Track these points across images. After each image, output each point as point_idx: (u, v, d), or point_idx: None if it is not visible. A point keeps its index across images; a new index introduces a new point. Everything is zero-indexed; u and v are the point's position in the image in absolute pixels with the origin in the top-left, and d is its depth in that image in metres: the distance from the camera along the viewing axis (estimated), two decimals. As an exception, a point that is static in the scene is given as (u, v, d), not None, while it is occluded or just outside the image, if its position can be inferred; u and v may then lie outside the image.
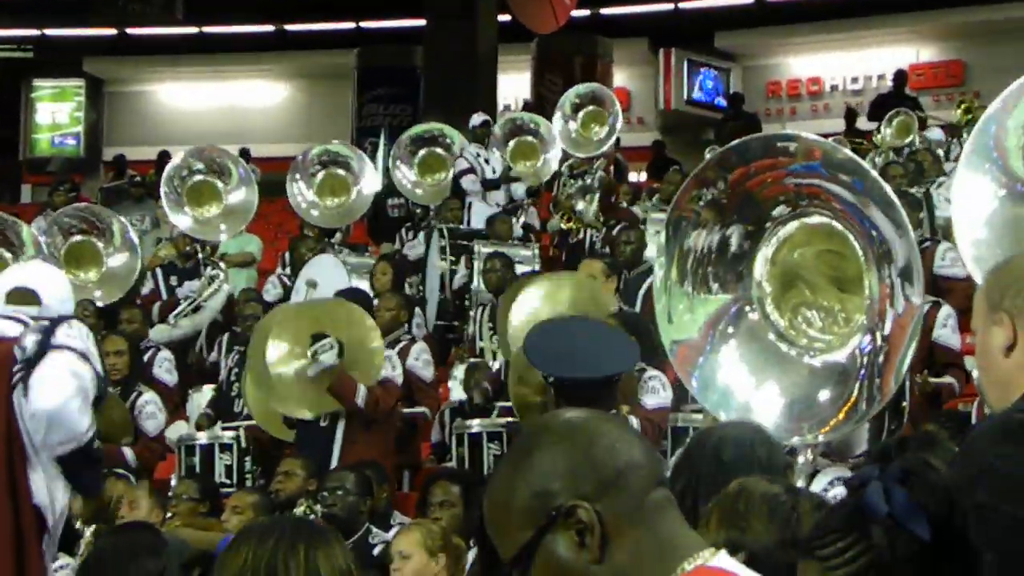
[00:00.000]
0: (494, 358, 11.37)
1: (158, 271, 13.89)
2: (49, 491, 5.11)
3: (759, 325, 4.87)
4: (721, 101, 27.19)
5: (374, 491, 8.27)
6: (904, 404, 5.02)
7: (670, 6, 28.30)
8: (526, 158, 16.99)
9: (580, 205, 15.80)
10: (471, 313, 12.72)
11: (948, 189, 13.48)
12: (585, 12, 27.32)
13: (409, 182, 16.53)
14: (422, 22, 24.89)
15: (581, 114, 17.93)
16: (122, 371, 10.51)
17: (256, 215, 14.44)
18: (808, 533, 2.62)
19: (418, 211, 16.60)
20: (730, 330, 4.89)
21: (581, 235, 15.42)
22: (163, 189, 13.92)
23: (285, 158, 24.07)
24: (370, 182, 15.36)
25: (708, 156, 5.09)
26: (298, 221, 16.09)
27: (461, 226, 14.67)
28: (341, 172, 15.24)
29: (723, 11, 27.98)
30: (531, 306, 9.56)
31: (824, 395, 4.75)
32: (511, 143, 16.99)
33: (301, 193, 15.02)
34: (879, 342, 4.54)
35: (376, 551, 7.60)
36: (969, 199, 5.25)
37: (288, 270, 14.22)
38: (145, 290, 13.74)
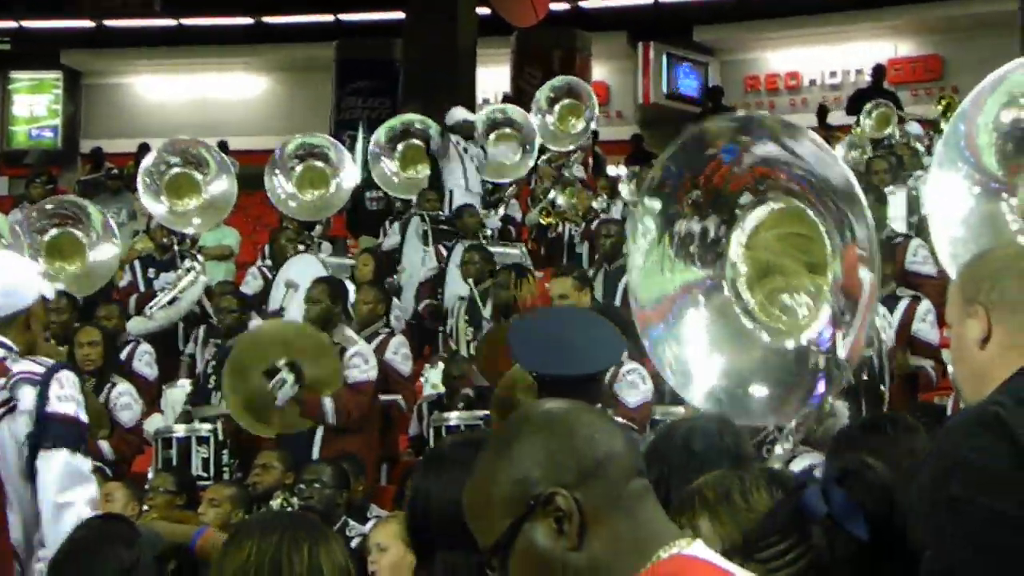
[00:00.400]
0: (469, 351, 11.38)
1: (136, 264, 13.86)
2: (25, 527, 5.04)
3: (729, 302, 4.91)
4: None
5: (351, 484, 8.27)
6: (883, 389, 5.05)
7: (649, 0, 28.29)
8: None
9: (560, 199, 15.80)
10: (447, 307, 12.73)
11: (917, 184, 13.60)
12: (564, 5, 27.35)
13: (392, 174, 16.49)
14: (401, 15, 24.88)
15: (558, 107, 17.92)
16: (96, 362, 10.45)
17: (234, 208, 14.38)
18: (748, 536, 2.64)
19: (398, 203, 16.56)
20: (701, 299, 4.93)
21: (560, 229, 15.42)
22: (140, 183, 13.85)
23: (264, 151, 24.03)
24: (350, 174, 15.30)
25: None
26: (277, 214, 16.06)
27: (441, 213, 14.63)
28: (320, 164, 15.17)
29: (702, 5, 28.00)
30: None
31: (778, 377, 4.82)
32: (492, 135, 16.97)
33: (281, 186, 14.96)
34: (841, 321, 4.57)
35: (353, 544, 7.59)
36: (944, 197, 5.27)
37: (269, 262, 14.19)
38: (123, 283, 13.72)
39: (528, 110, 17.86)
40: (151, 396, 11.46)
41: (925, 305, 9.56)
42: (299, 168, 15.05)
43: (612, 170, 18.94)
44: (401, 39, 25.09)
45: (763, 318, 4.84)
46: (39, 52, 29.34)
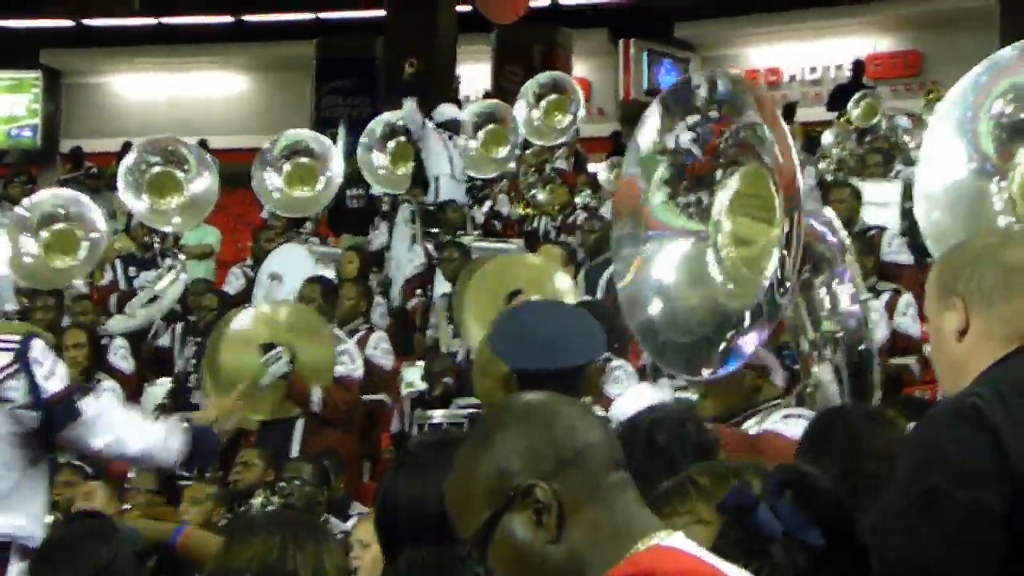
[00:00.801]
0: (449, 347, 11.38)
1: (117, 262, 13.85)
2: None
3: (705, 251, 5.17)
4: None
5: (331, 481, 8.26)
6: (871, 377, 5.06)
7: (629, -4, 28.34)
8: (498, 144, 16.98)
9: (541, 196, 15.84)
10: (432, 304, 12.73)
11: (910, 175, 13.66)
12: (545, 2, 27.35)
13: (379, 167, 16.46)
14: (382, 12, 24.85)
15: (544, 103, 17.93)
16: (82, 363, 10.44)
17: (215, 206, 14.36)
18: None
19: (385, 200, 16.47)
20: (691, 240, 5.21)
21: (536, 223, 15.42)
22: (121, 181, 13.82)
23: (244, 149, 24.05)
24: (337, 166, 15.29)
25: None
26: (258, 212, 16.03)
27: (427, 202, 14.63)
28: (307, 160, 15.16)
29: (682, 2, 28.00)
30: (484, 287, 9.59)
31: (699, 329, 4.98)
32: (481, 133, 16.97)
33: (272, 183, 14.94)
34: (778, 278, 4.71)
35: (335, 541, 7.59)
36: (939, 159, 5.30)
37: (250, 261, 14.18)
38: (104, 281, 13.71)
39: (508, 104, 17.89)
40: (129, 390, 11.43)
41: (906, 299, 9.59)
42: (287, 166, 15.04)
43: (593, 167, 18.95)
44: (381, 37, 25.06)
45: (731, 272, 5.00)
46: (18, 51, 29.23)
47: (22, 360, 4.83)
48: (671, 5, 28.11)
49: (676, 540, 2.27)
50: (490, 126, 17.47)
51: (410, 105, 15.71)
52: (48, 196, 13.09)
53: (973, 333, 2.98)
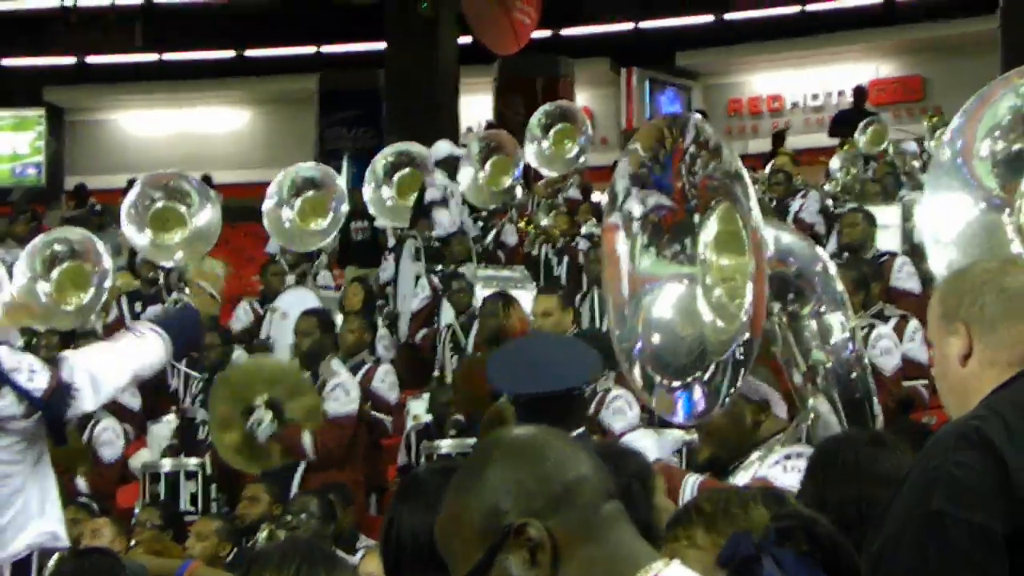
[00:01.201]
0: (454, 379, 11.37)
1: (122, 299, 13.87)
2: None
3: (696, 289, 5.13)
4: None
5: (338, 514, 8.25)
6: (870, 403, 5.05)
7: (631, 25, 28.36)
8: (505, 173, 17.02)
9: (544, 221, 15.88)
10: (439, 336, 12.73)
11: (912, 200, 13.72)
12: (546, 32, 27.37)
13: (388, 199, 16.49)
14: (383, 45, 24.92)
15: (552, 132, 17.97)
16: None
17: (219, 241, 14.38)
18: None
19: (395, 232, 16.48)
20: (685, 282, 5.18)
21: (537, 250, 15.42)
22: (124, 217, 13.84)
23: (248, 184, 24.12)
24: (343, 196, 15.35)
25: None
26: (261, 247, 16.05)
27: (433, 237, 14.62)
28: (316, 193, 15.21)
29: (684, 30, 28.05)
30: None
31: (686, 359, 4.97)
32: (488, 163, 17.02)
33: (288, 219, 14.99)
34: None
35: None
36: (943, 208, 5.31)
37: (258, 297, 14.27)
38: (110, 319, 13.71)
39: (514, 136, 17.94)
40: (136, 426, 11.44)
41: (913, 324, 9.57)
42: (298, 202, 15.09)
43: (597, 195, 18.95)
44: (384, 69, 25.13)
45: (720, 309, 5.01)
46: (21, 89, 29.31)
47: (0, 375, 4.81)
48: (672, 34, 28.16)
49: (674, 570, 2.25)
50: (494, 157, 17.52)
51: (445, 147, 15.80)
52: (49, 239, 13.12)
53: (976, 358, 2.99)
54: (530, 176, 18.87)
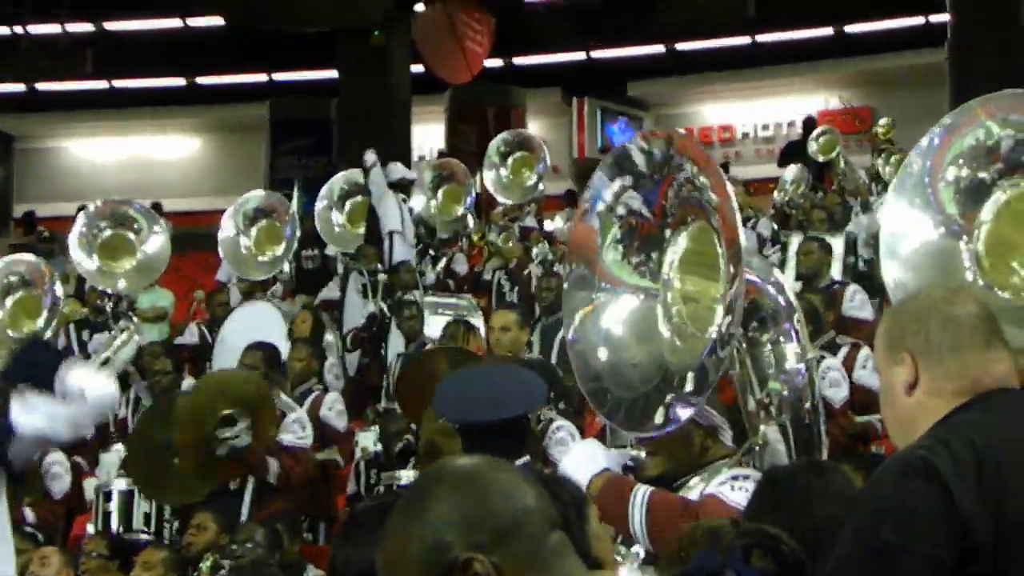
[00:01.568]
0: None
1: (71, 327, 13.80)
2: None
3: (656, 307, 5.18)
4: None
5: (285, 544, 8.19)
6: (817, 420, 5.07)
7: (582, 55, 28.43)
8: (456, 202, 17.04)
9: (498, 241, 15.96)
10: (387, 364, 12.70)
11: (857, 226, 13.81)
12: (498, 62, 27.44)
13: (337, 226, 16.48)
14: (335, 74, 24.92)
15: (511, 160, 18.03)
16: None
17: (168, 269, 14.33)
18: None
19: (341, 259, 16.50)
20: (640, 296, 5.24)
21: (489, 275, 15.43)
22: (73, 246, 13.80)
23: (199, 212, 24.04)
24: (295, 224, 15.38)
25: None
26: (211, 275, 16.01)
27: (379, 266, 14.57)
28: (269, 221, 15.23)
29: (635, 60, 28.14)
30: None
31: (643, 387, 4.99)
32: (440, 192, 17.03)
33: (244, 247, 15.00)
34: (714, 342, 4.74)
35: (289, 605, 7.53)
36: (899, 228, 5.33)
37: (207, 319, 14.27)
38: (59, 346, 13.61)
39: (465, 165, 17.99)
40: (88, 456, 11.35)
41: (865, 352, 9.57)
42: (253, 230, 15.09)
43: (548, 224, 19.00)
44: (335, 98, 25.12)
45: (680, 329, 5.06)
46: (-30, 116, 29.18)
47: None
48: (624, 64, 28.25)
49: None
50: (446, 186, 17.53)
51: (372, 156, 15.75)
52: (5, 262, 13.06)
53: (922, 388, 3.00)
54: (483, 203, 18.94)
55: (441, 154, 23.25)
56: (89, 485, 10.81)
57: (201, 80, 29.20)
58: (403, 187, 15.83)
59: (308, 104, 27.03)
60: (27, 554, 8.31)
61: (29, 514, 10.03)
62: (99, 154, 30.05)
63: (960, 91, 17.92)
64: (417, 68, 24.79)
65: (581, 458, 4.92)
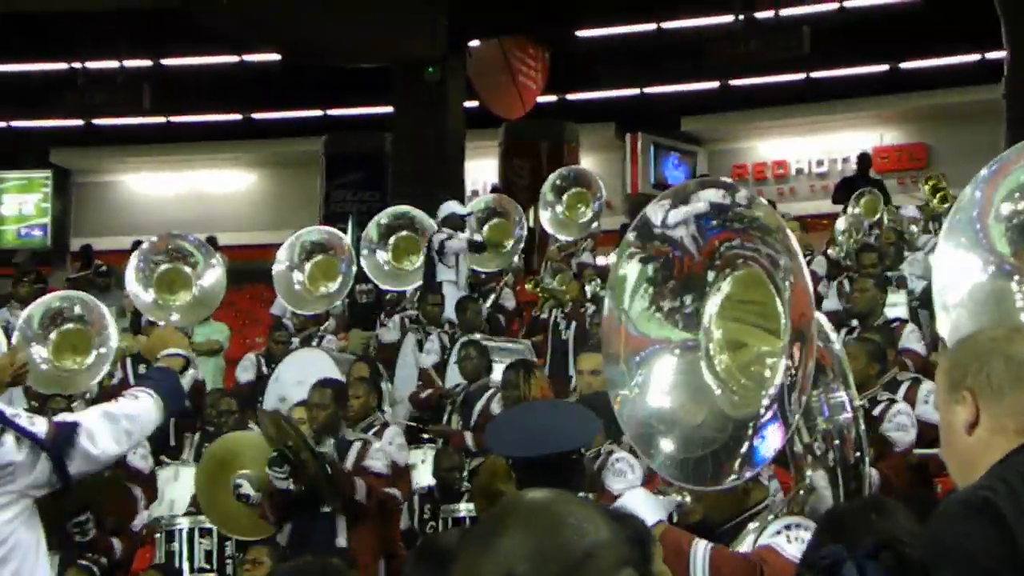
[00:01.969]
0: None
1: (127, 360, 13.87)
2: None
3: (699, 360, 5.07)
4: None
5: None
6: (863, 468, 5.04)
7: (636, 91, 28.48)
8: (502, 238, 17.05)
9: (549, 283, 15.95)
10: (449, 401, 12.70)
11: (913, 264, 13.71)
12: (552, 98, 27.51)
13: (384, 263, 16.53)
14: (390, 109, 25.04)
15: (566, 196, 18.02)
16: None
17: (223, 303, 14.41)
18: None
19: (388, 296, 16.60)
20: (676, 352, 5.11)
21: (545, 313, 15.42)
22: (130, 280, 13.91)
23: (254, 246, 24.17)
24: (351, 260, 15.45)
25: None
26: (266, 308, 16.10)
27: (445, 329, 14.51)
28: (326, 256, 15.32)
29: (689, 96, 28.15)
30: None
31: (720, 436, 4.90)
32: (486, 227, 17.06)
33: (298, 282, 15.11)
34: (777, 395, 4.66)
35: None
36: (954, 267, 5.27)
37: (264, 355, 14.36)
38: (115, 380, 13.69)
39: (515, 200, 17.99)
40: (148, 491, 11.40)
41: (926, 387, 9.50)
42: (308, 265, 15.20)
43: (602, 259, 18.98)
44: (390, 133, 25.23)
45: (728, 381, 4.96)
46: (28, 151, 29.45)
47: (1, 420, 4.73)
48: (678, 99, 28.26)
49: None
50: (494, 220, 17.54)
51: (451, 206, 15.84)
52: (61, 296, 13.14)
53: (983, 426, 2.98)
54: (535, 241, 18.93)
55: (494, 189, 23.30)
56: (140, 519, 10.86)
57: (256, 115, 29.43)
58: (455, 223, 15.85)
59: (362, 139, 27.16)
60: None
61: (117, 545, 10.03)
62: (155, 188, 30.29)
63: (1017, 127, 17.84)
64: (471, 103, 24.89)
65: (638, 503, 4.90)
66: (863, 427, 5.07)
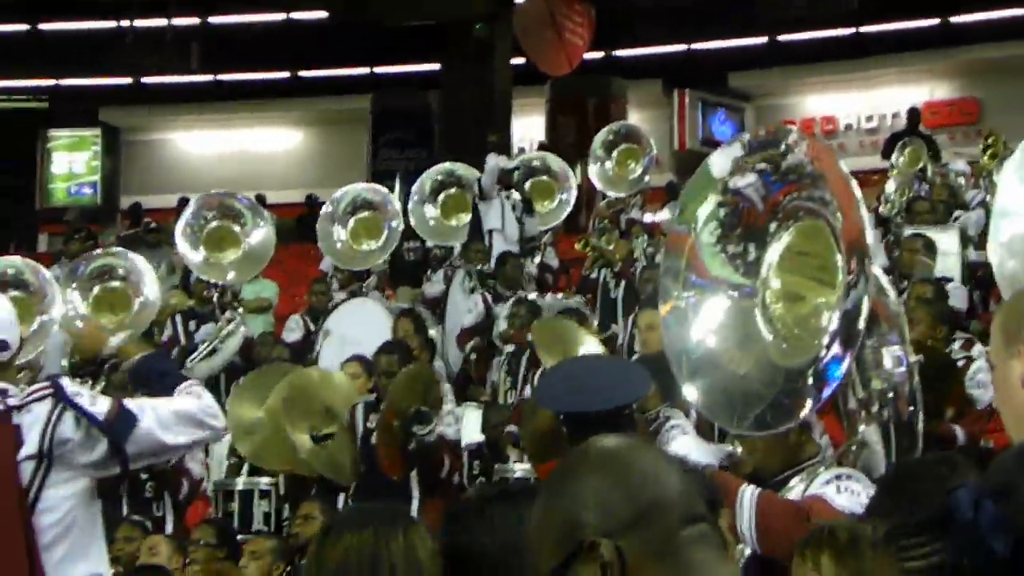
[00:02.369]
0: (507, 400, 11.35)
1: (177, 317, 13.94)
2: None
3: (754, 307, 5.13)
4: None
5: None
6: (916, 425, 5.04)
7: (683, 47, 28.34)
8: (543, 198, 16.98)
9: (596, 242, 15.90)
10: (496, 358, 12.69)
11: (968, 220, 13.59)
12: (599, 54, 27.40)
13: (431, 219, 16.52)
14: (437, 66, 25.02)
15: (616, 152, 17.95)
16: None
17: (272, 260, 14.46)
18: (890, 527, 2.59)
19: (437, 251, 16.60)
20: (733, 294, 5.19)
21: (595, 273, 15.37)
22: (179, 237, 13.96)
23: (301, 204, 24.22)
24: (397, 217, 15.44)
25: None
26: (315, 266, 16.14)
27: (486, 267, 14.51)
28: (370, 213, 15.33)
29: (736, 51, 28.01)
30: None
31: (768, 391, 4.91)
32: (527, 184, 17.00)
33: (338, 238, 15.13)
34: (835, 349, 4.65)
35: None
36: (1012, 214, 5.24)
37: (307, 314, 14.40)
38: (164, 337, 13.77)
39: (563, 158, 17.91)
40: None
41: (977, 348, 9.41)
42: (351, 221, 15.21)
43: (649, 216, 18.93)
44: (437, 90, 25.21)
45: (781, 329, 4.96)
46: (77, 109, 29.55)
47: (63, 398, 4.72)
48: (725, 55, 28.12)
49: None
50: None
51: (494, 162, 15.76)
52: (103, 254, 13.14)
53: (1040, 380, 2.95)
54: (582, 198, 18.85)
55: (541, 146, 23.24)
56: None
57: (304, 73, 29.45)
58: (503, 180, 15.82)
59: (409, 96, 27.15)
60: (136, 542, 8.41)
61: (185, 485, 10.00)
62: (204, 146, 30.38)
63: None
64: (518, 60, 24.83)
65: (690, 449, 4.90)
66: (917, 381, 5.07)
